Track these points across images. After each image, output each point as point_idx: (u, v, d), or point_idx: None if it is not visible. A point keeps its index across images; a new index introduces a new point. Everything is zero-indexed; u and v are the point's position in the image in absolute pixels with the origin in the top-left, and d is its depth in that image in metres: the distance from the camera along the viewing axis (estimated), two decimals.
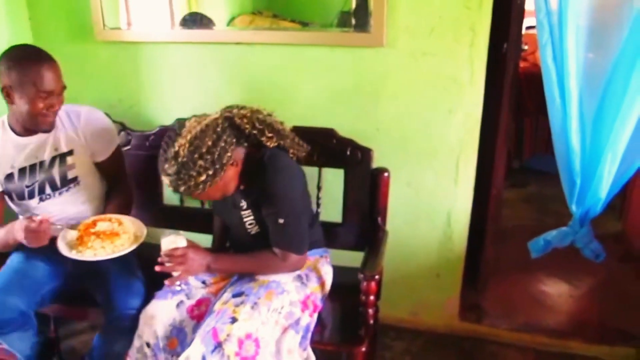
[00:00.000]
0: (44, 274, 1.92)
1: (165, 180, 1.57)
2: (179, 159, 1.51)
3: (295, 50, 2.21)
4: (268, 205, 1.66)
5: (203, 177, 1.52)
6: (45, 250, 1.90)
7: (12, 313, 1.78)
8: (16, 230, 1.73)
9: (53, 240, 1.78)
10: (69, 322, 2.44)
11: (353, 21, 2.12)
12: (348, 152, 2.00)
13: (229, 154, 1.56)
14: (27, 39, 2.50)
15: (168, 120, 2.29)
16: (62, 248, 1.77)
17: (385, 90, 2.17)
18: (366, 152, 2.00)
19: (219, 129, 1.55)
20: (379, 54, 2.12)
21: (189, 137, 1.51)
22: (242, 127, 1.60)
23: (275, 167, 1.63)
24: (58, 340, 2.11)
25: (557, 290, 2.76)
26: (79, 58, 2.44)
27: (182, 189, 1.55)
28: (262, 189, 1.64)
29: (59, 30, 2.47)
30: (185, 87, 2.41)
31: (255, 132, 1.62)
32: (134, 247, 1.77)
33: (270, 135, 1.64)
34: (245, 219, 1.75)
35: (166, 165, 1.54)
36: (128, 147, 2.25)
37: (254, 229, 1.75)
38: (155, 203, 2.30)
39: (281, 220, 1.64)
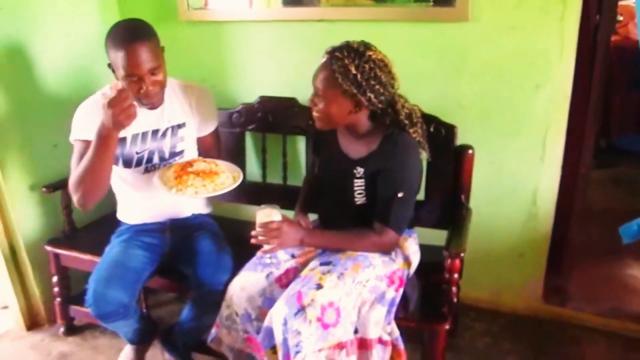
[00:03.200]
0: (143, 262, 1.96)
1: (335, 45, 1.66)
2: (365, 52, 1.62)
3: (376, 26, 2.19)
4: (392, 177, 1.68)
5: (354, 71, 1.60)
6: (142, 236, 2.00)
7: (115, 306, 1.83)
8: (104, 117, 1.65)
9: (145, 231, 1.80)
10: (157, 292, 2.55)
11: None
12: (432, 129, 1.97)
13: (373, 96, 1.63)
14: (115, 20, 2.59)
15: (250, 98, 2.34)
16: (161, 188, 1.78)
17: (468, 66, 2.12)
18: (450, 129, 1.97)
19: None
20: (462, 28, 2.07)
21: (383, 59, 1.64)
22: (399, 112, 1.71)
23: (408, 145, 1.71)
24: (157, 325, 2.18)
25: None
26: (164, 38, 2.44)
27: (340, 55, 1.62)
28: (389, 162, 1.68)
29: (146, 11, 2.55)
30: (266, 66, 2.44)
31: (407, 121, 1.72)
32: (235, 185, 1.80)
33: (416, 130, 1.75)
34: (355, 188, 1.76)
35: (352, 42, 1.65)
36: None
37: (361, 199, 1.76)
38: None
39: (400, 194, 1.67)
